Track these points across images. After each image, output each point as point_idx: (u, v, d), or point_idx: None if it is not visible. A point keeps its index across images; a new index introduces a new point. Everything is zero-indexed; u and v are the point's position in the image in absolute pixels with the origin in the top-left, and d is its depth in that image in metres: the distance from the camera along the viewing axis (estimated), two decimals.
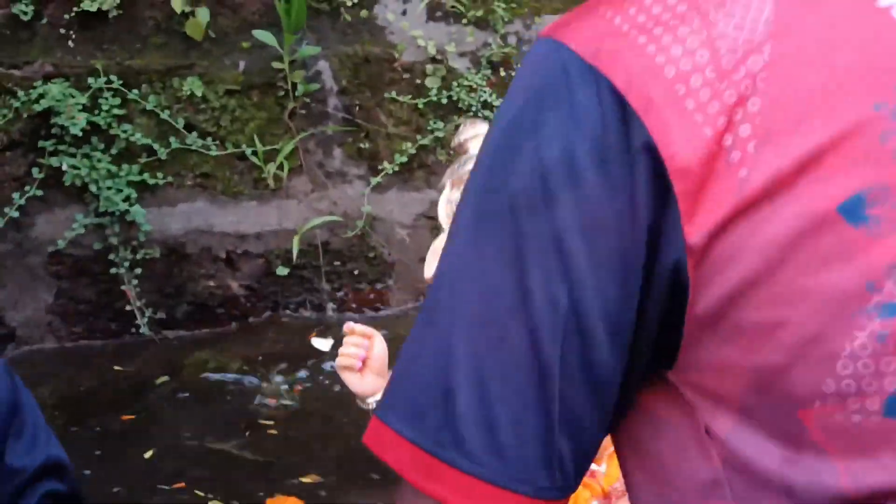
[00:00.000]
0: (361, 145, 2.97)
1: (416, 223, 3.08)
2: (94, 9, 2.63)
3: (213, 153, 2.81)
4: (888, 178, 0.50)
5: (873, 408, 0.50)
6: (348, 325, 1.58)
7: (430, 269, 1.59)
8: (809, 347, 0.50)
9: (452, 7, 3.01)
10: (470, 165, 1.68)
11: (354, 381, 1.54)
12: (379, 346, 1.56)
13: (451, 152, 1.88)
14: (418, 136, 3.01)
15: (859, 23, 0.54)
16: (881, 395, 0.50)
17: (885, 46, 0.53)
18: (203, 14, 2.73)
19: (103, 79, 2.66)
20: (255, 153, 2.84)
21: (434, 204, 3.05)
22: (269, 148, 2.86)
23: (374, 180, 2.98)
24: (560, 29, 0.55)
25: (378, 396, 1.55)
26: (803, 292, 0.50)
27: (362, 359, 1.55)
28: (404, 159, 2.99)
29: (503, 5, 3.03)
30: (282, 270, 2.93)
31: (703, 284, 0.51)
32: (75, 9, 2.63)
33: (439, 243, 1.61)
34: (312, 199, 2.96)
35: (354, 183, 2.99)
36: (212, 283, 2.90)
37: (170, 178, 2.78)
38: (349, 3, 2.91)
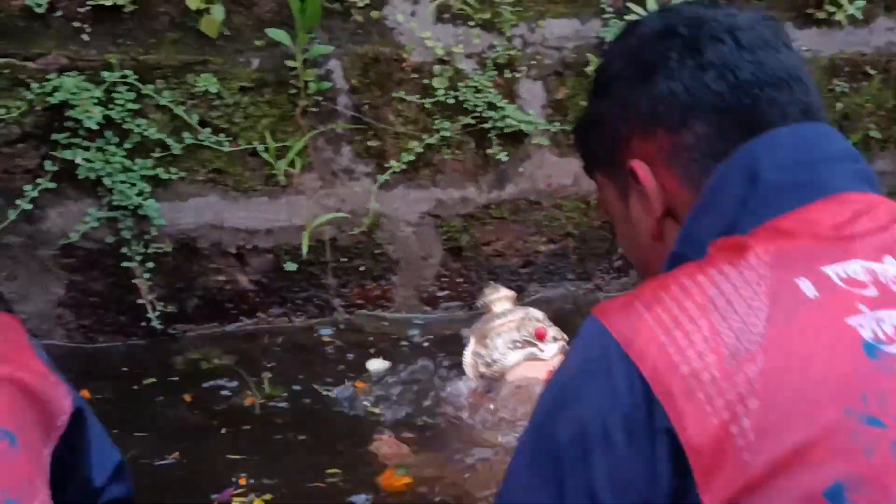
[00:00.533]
0: (370, 143, 3.02)
1: (421, 221, 3.13)
2: (109, 3, 2.63)
3: (226, 149, 2.83)
4: (860, 469, 0.63)
5: None
6: None
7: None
8: None
9: (460, 9, 3.06)
10: (492, 323, 2.12)
11: None
12: None
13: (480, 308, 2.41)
14: (425, 136, 3.06)
15: (831, 339, 0.67)
16: None
17: (851, 359, 0.66)
18: (217, 11, 2.75)
19: (118, 73, 2.67)
20: (266, 150, 2.88)
21: (440, 203, 3.13)
22: (280, 144, 2.89)
23: (382, 178, 3.03)
24: (607, 313, 0.74)
25: None
26: None
27: None
28: (411, 158, 3.04)
29: (510, 8, 3.09)
30: (290, 266, 2.97)
31: None
32: (90, 2, 2.64)
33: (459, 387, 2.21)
34: (321, 195, 3.00)
35: (362, 180, 3.04)
36: (222, 278, 2.93)
37: (182, 174, 2.80)
38: (360, 4, 2.95)
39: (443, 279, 3.19)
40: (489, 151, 3.13)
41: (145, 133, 2.72)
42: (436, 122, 3.07)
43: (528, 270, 3.31)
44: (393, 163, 3.04)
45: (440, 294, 3.20)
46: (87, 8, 2.64)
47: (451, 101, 3.06)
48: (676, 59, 0.84)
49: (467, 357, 2.16)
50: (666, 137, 0.85)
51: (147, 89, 2.71)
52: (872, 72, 3.80)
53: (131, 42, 2.72)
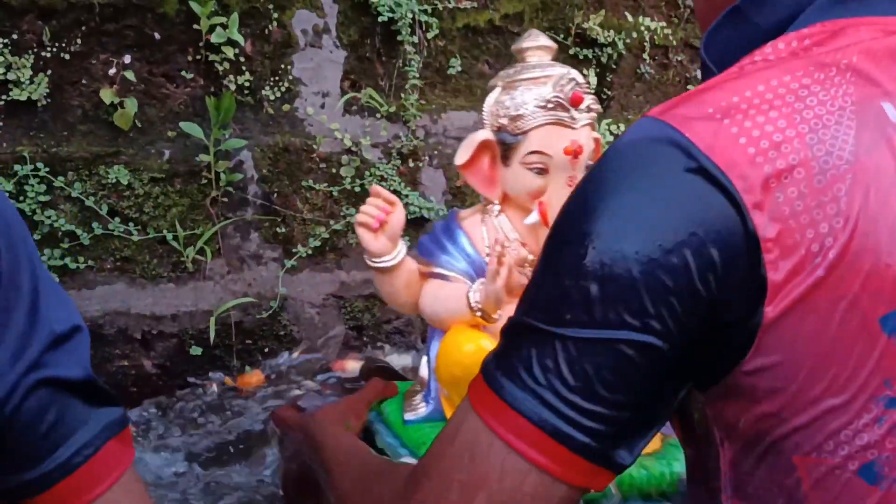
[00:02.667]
0: (278, 230, 3.11)
1: (325, 302, 3.25)
2: (23, 97, 2.62)
3: (135, 238, 2.86)
4: None
5: (852, 467, 0.64)
6: (374, 188, 1.76)
7: (459, 155, 1.78)
8: (825, 415, 0.64)
9: (367, 103, 3.20)
10: (526, 74, 1.80)
11: (369, 239, 1.72)
12: (399, 213, 1.75)
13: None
14: (331, 222, 3.18)
15: None
16: (860, 461, 0.64)
17: None
18: (131, 105, 2.78)
19: (30, 166, 2.66)
20: (175, 238, 2.92)
21: (343, 284, 3.25)
22: (189, 233, 2.94)
23: (288, 263, 3.13)
24: (676, 118, 0.66)
25: (385, 259, 1.72)
26: (841, 379, 0.63)
27: (381, 220, 1.71)
28: (317, 243, 3.16)
29: (414, 102, 3.25)
30: (195, 350, 3.02)
31: (759, 349, 0.64)
32: (4, 97, 2.61)
33: (472, 135, 1.79)
34: (228, 280, 3.07)
35: (269, 265, 3.13)
36: (126, 363, 2.95)
37: (90, 262, 2.81)
38: (272, 98, 3.04)
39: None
40: None
41: (55, 224, 2.71)
42: (342, 208, 3.19)
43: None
44: (300, 248, 3.14)
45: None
46: (1, 102, 2.61)
47: (358, 189, 3.19)
48: None
49: (488, 103, 1.81)
50: None
51: (58, 182, 2.71)
52: None
53: (44, 135, 2.71)
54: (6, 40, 2.63)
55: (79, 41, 2.72)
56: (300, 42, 3.06)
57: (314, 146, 3.13)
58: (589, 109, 1.78)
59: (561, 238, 0.69)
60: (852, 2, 0.70)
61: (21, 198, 2.65)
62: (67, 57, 2.71)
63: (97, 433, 0.78)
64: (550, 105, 1.72)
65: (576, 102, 1.75)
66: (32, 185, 2.66)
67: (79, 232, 2.76)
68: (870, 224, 0.61)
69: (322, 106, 3.15)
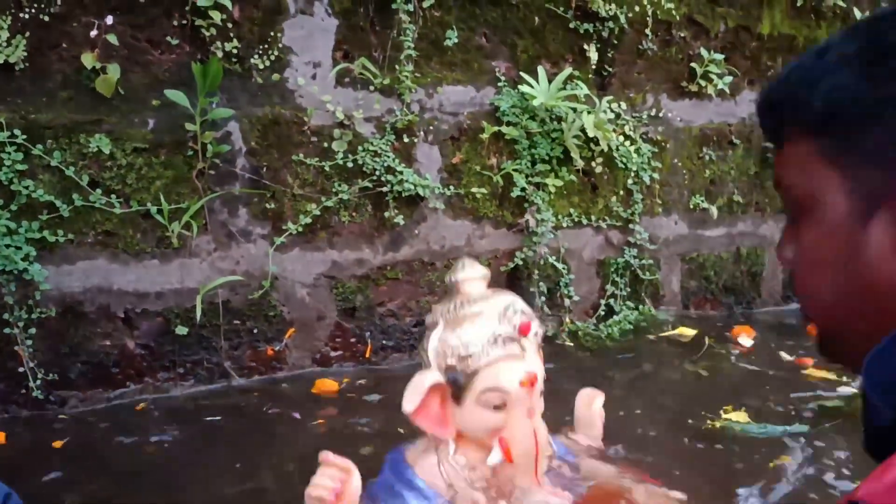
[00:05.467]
0: (267, 205, 2.99)
1: (316, 282, 3.12)
2: None
3: (117, 211, 2.74)
4: None
5: None
6: (325, 456, 1.57)
7: (407, 402, 1.66)
8: None
9: (361, 74, 3.08)
10: (468, 309, 1.69)
11: None
12: (355, 480, 1.57)
13: (445, 285, 1.82)
14: (323, 198, 3.06)
15: None
16: None
17: None
18: (114, 70, 2.66)
19: (6, 132, 2.54)
20: (160, 212, 2.80)
21: (335, 264, 3.13)
22: (174, 207, 2.82)
23: (278, 240, 3.01)
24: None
25: None
26: None
27: (337, 492, 1.54)
28: (308, 220, 3.04)
29: (409, 75, 3.14)
30: (181, 330, 2.89)
31: None
32: None
33: (419, 379, 1.67)
34: (215, 258, 2.94)
35: (258, 242, 3.01)
36: (108, 343, 2.82)
37: (70, 236, 2.69)
38: (261, 66, 2.92)
39: (336, 339, 3.20)
40: (386, 214, 3.16)
41: (33, 194, 2.59)
42: (334, 185, 3.07)
43: (420, 330, 3.36)
44: (290, 225, 3.02)
45: (333, 354, 3.20)
46: None
47: (350, 164, 3.07)
48: None
49: (433, 342, 1.72)
50: None
51: (36, 150, 2.58)
52: (737, 141, 4.08)
53: (22, 101, 2.58)
54: None
55: (58, 2, 2.60)
56: (290, 8, 2.95)
57: (305, 118, 3.01)
58: (536, 335, 1.74)
59: None
60: None
61: None
62: (47, 19, 2.59)
63: None
64: (500, 340, 1.67)
65: (524, 332, 1.70)
66: (9, 154, 2.54)
67: (58, 203, 2.64)
68: None
69: (313, 77, 3.03)
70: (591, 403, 2.01)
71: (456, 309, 1.72)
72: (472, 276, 1.78)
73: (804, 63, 0.77)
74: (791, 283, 0.77)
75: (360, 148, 3.09)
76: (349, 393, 2.94)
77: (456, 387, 1.68)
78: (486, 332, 1.67)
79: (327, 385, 2.97)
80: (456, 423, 1.70)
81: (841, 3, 4.12)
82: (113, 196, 2.73)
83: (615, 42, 3.61)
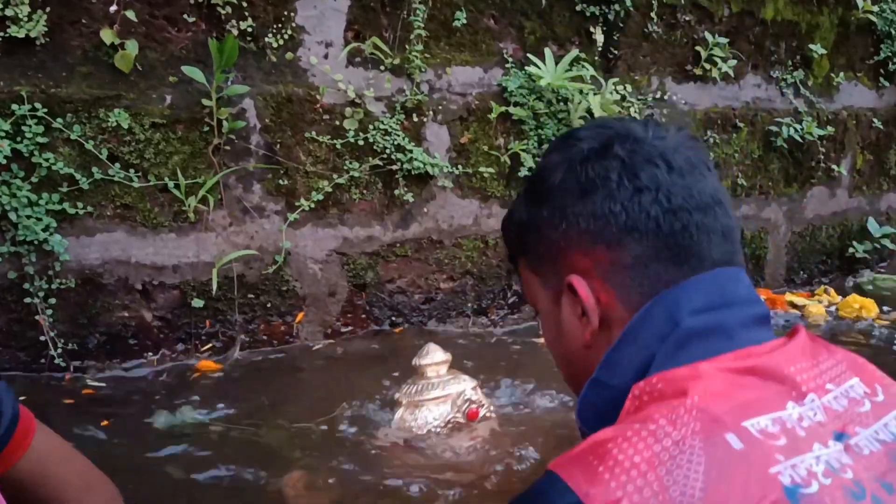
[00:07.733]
0: (280, 182, 3.05)
1: (328, 258, 3.19)
2: (21, 35, 2.57)
3: (136, 185, 2.81)
4: None
5: None
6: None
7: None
8: None
9: (372, 54, 3.15)
10: (426, 394, 2.25)
11: None
12: None
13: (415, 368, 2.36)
14: (335, 175, 3.13)
15: (761, 489, 0.72)
16: None
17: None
18: (132, 46, 2.73)
19: (27, 106, 2.60)
20: (177, 186, 2.87)
21: (346, 240, 3.19)
22: (191, 181, 2.89)
23: (291, 216, 3.07)
24: (565, 467, 0.77)
25: None
26: None
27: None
28: (320, 197, 3.10)
29: (419, 55, 3.20)
30: (197, 302, 2.96)
31: None
32: (1, 34, 2.56)
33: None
34: (230, 232, 3.01)
35: (272, 218, 3.07)
36: (126, 314, 2.89)
37: (90, 209, 2.76)
38: (275, 45, 2.99)
39: (347, 315, 3.26)
40: (396, 192, 3.22)
41: (53, 167, 2.66)
42: (346, 162, 3.14)
43: (429, 307, 3.42)
44: (303, 201, 3.09)
45: (344, 330, 3.26)
46: None
47: (361, 142, 3.14)
48: (616, 180, 0.89)
49: (396, 418, 2.24)
50: (605, 254, 0.89)
51: (57, 123, 2.65)
52: (741, 124, 4.14)
53: (42, 75, 2.65)
54: None
55: None
56: None
57: (317, 97, 3.07)
58: (485, 418, 2.22)
59: None
60: (692, 346, 0.84)
61: (18, 138, 2.60)
62: None
63: (13, 402, 1.12)
64: (451, 425, 2.19)
65: (472, 418, 2.21)
66: (30, 126, 2.61)
67: (78, 176, 2.71)
68: None
69: (325, 56, 3.09)
70: None
71: (416, 393, 2.23)
72: (434, 361, 2.27)
73: (514, 201, 1.04)
74: None
75: (370, 126, 3.16)
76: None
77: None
78: (438, 416, 2.18)
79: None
80: None
81: None
82: (131, 170, 2.80)
83: (621, 25, 3.67)
